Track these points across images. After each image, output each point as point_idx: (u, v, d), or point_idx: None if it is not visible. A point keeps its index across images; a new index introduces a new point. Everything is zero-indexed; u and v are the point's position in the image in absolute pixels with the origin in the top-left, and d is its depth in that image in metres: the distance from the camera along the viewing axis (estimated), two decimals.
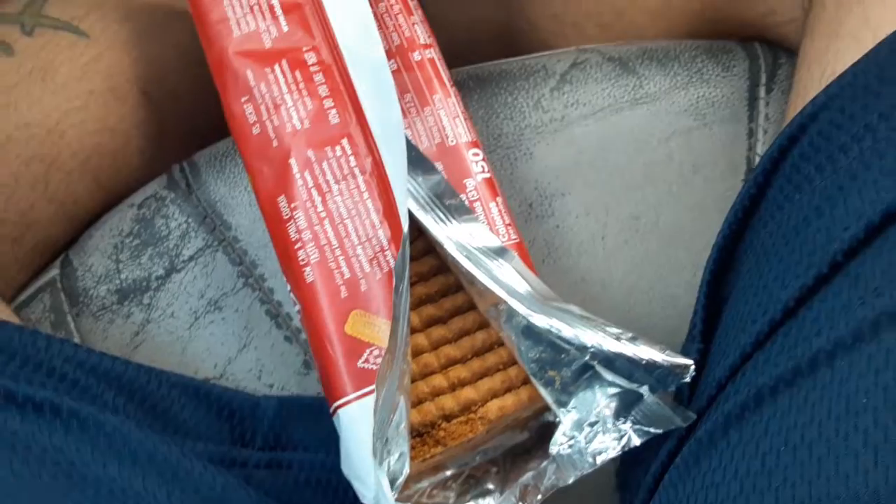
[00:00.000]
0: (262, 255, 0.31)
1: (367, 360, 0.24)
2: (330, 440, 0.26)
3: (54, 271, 0.32)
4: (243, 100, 0.27)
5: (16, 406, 0.23)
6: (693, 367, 0.22)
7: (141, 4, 0.34)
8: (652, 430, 0.24)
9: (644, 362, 0.23)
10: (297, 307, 0.26)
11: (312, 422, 0.28)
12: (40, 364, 0.24)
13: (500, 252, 0.25)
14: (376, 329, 0.24)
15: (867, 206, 0.21)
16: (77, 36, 0.32)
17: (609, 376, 0.24)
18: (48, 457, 0.22)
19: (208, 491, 0.24)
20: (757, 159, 0.31)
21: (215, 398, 0.28)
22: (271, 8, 0.27)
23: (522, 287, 0.25)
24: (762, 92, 0.32)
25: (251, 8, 0.27)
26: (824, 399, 0.19)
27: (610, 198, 0.31)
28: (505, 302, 0.24)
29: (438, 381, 0.25)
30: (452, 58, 0.30)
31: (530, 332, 0.24)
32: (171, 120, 0.34)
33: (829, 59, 0.24)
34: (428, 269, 0.26)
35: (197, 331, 0.30)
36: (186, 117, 0.34)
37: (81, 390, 0.25)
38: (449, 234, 0.25)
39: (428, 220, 0.25)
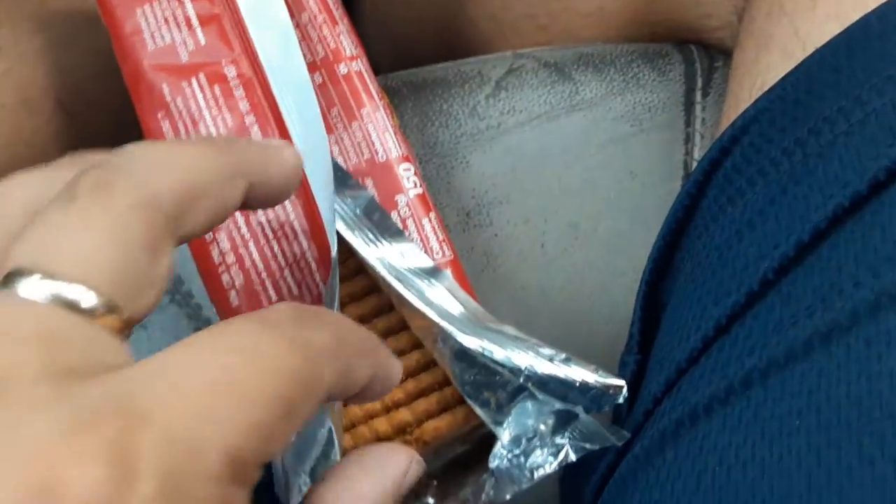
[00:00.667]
0: (189, 270, 0.30)
1: None
2: None
3: None
4: (160, 115, 0.25)
5: None
6: (625, 388, 0.22)
7: (54, 12, 0.32)
8: (588, 446, 0.24)
9: (577, 384, 0.23)
10: None
11: None
12: None
13: (432, 272, 0.25)
14: None
15: (797, 223, 0.20)
16: None
17: (543, 397, 0.23)
18: None
19: None
20: (694, 164, 0.31)
21: None
22: (187, 19, 0.26)
23: (455, 308, 0.24)
24: (698, 96, 0.32)
25: (166, 20, 0.26)
26: (758, 419, 0.19)
27: (548, 205, 0.31)
28: (437, 324, 0.23)
29: (371, 403, 0.24)
30: (397, 56, 0.29)
31: (464, 354, 0.23)
32: (91, 129, 0.32)
33: (760, 70, 0.24)
34: (360, 290, 0.25)
35: None
36: (107, 126, 0.33)
37: None
38: (379, 255, 0.24)
39: (357, 241, 0.24)
